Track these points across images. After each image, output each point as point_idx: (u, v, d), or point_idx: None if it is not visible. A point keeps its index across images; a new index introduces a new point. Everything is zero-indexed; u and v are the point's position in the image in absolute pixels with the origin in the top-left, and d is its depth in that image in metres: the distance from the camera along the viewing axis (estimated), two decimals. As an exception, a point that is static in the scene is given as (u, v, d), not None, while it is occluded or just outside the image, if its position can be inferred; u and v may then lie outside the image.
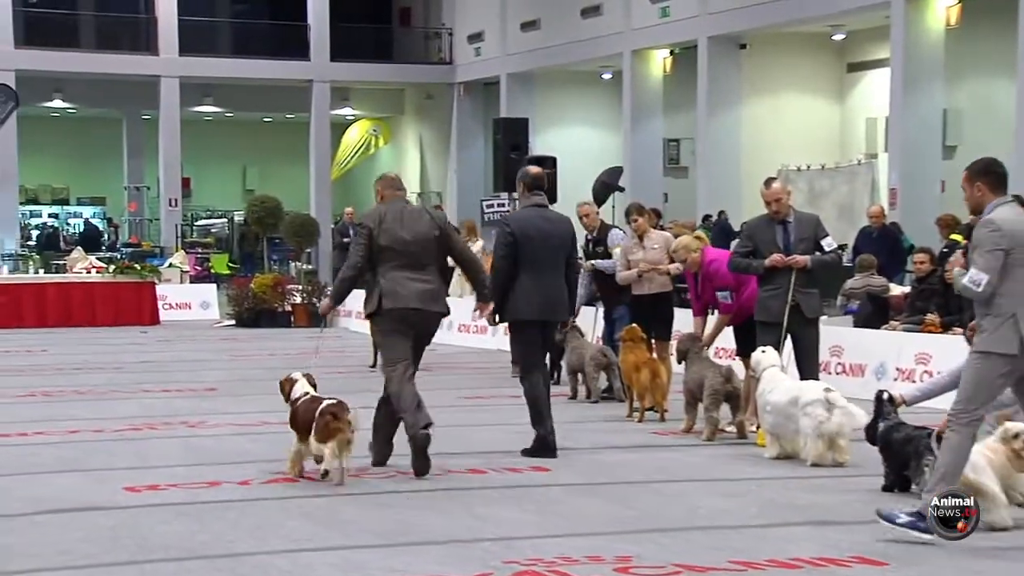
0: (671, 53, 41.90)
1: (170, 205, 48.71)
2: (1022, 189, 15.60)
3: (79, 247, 39.13)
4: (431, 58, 52.56)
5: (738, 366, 14.21)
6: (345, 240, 31.43)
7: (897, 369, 16.91)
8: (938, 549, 8.88)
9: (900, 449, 10.84)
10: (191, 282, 36.17)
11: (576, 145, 44.51)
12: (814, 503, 10.54)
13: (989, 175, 9.18)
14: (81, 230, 53.63)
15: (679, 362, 14.37)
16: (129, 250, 45.43)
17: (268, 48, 50.56)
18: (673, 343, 15.63)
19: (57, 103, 51.62)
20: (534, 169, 13.48)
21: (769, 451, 12.58)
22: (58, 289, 30.33)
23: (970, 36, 32.86)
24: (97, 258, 34.95)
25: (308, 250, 36.71)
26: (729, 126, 39.29)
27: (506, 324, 13.15)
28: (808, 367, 13.27)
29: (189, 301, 33.43)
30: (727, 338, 14.90)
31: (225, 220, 53.01)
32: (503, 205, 28.34)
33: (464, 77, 50.47)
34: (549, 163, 29.01)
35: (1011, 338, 8.87)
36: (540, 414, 12.67)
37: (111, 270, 31.64)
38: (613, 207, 28.78)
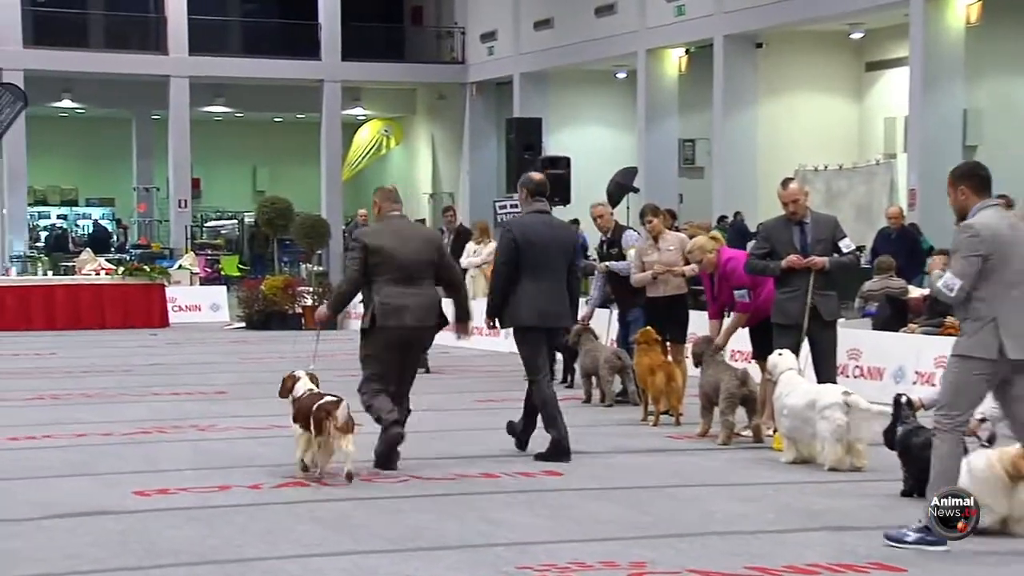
0: (686, 52, 41.84)
1: (180, 206, 48.72)
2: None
3: (88, 249, 39.04)
4: (443, 57, 52.56)
5: (754, 369, 14.10)
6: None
7: (916, 372, 16.78)
8: (956, 556, 8.83)
9: (919, 453, 10.68)
10: (201, 284, 36.15)
11: (590, 145, 44.47)
12: (832, 508, 10.46)
13: (972, 178, 9.15)
14: (90, 231, 53.69)
15: (695, 365, 14.29)
16: (138, 252, 45.39)
17: (279, 47, 50.56)
18: (688, 346, 15.51)
19: (66, 103, 51.66)
20: (537, 175, 13.59)
21: (786, 455, 12.47)
22: (67, 291, 30.24)
23: (991, 34, 32.72)
24: (106, 260, 34.80)
25: (319, 252, 36.67)
26: (745, 126, 39.20)
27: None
28: (825, 370, 13.16)
29: (199, 303, 33.36)
30: (743, 341, 14.79)
31: (235, 221, 52.90)
32: (516, 206, 28.21)
33: (477, 77, 50.45)
34: (563, 163, 29.00)
35: (990, 342, 8.83)
36: (553, 417, 12.63)
37: (120, 272, 31.55)
38: (628, 208, 28.73)
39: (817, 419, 12.03)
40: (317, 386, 11.79)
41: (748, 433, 13.72)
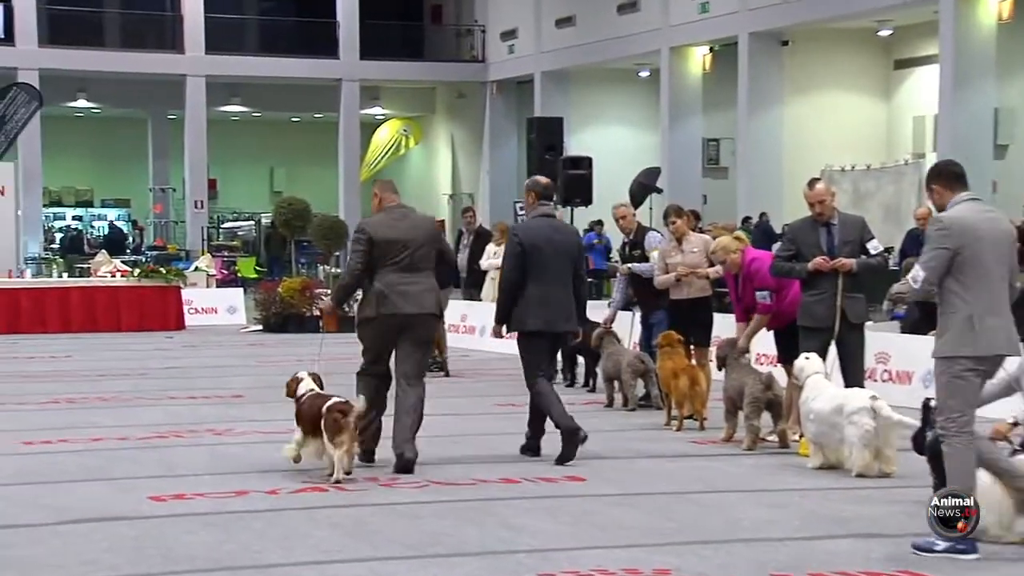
0: (710, 50, 41.75)
1: (196, 207, 48.77)
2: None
3: (103, 250, 39.00)
4: (463, 56, 52.53)
5: (780, 373, 13.95)
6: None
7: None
8: (987, 563, 8.74)
9: (949, 459, 10.53)
10: (217, 286, 36.13)
11: (612, 145, 44.42)
12: (859, 515, 10.34)
13: (941, 176, 9.24)
14: (105, 233, 53.58)
15: (719, 369, 14.15)
16: (154, 253, 45.46)
17: (296, 46, 50.59)
18: (712, 349, 15.41)
19: (81, 103, 51.75)
20: (543, 178, 13.71)
21: (812, 461, 12.33)
22: (82, 293, 30.14)
23: (1023, 31, 32.51)
24: (122, 261, 34.77)
25: (337, 253, 36.48)
26: (770, 125, 39.08)
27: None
28: (853, 374, 13.00)
29: (215, 306, 33.24)
30: (769, 344, 14.64)
31: (252, 222, 52.95)
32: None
33: (497, 75, 50.42)
34: (585, 164, 28.84)
35: (969, 338, 8.80)
36: (558, 410, 12.54)
37: (136, 274, 31.46)
38: (651, 209, 28.62)
39: (844, 424, 11.89)
40: (321, 387, 11.93)
41: (774, 438, 13.58)
